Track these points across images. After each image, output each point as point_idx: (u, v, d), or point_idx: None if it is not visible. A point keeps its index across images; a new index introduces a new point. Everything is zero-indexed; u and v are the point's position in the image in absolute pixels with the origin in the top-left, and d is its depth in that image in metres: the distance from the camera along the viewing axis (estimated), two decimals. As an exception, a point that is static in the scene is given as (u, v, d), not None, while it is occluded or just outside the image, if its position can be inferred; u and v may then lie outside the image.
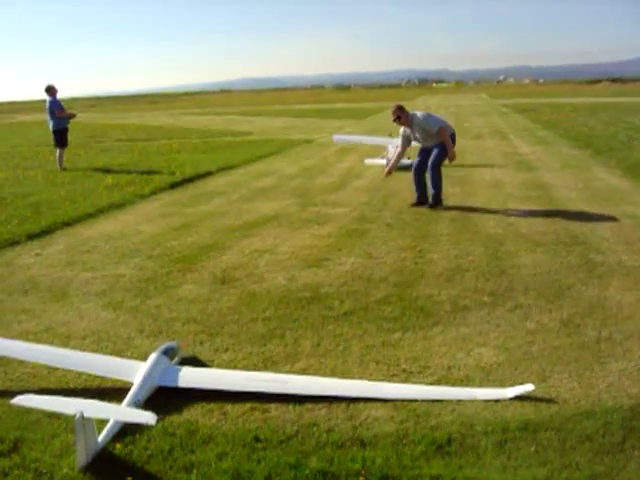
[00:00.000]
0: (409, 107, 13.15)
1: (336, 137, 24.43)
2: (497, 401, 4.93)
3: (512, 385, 5.13)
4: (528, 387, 5.01)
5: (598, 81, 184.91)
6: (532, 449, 4.27)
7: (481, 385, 5.25)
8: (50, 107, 19.54)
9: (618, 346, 5.94)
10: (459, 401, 4.95)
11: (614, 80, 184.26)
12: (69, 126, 20.28)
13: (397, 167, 18.34)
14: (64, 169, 19.58)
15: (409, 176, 12.80)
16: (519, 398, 4.94)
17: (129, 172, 18.79)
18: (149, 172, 18.63)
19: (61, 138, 19.75)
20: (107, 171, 19.18)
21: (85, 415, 3.98)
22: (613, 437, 4.37)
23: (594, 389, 5.12)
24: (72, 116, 20.52)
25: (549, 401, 4.93)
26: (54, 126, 19.67)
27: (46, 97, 19.73)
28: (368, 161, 19.20)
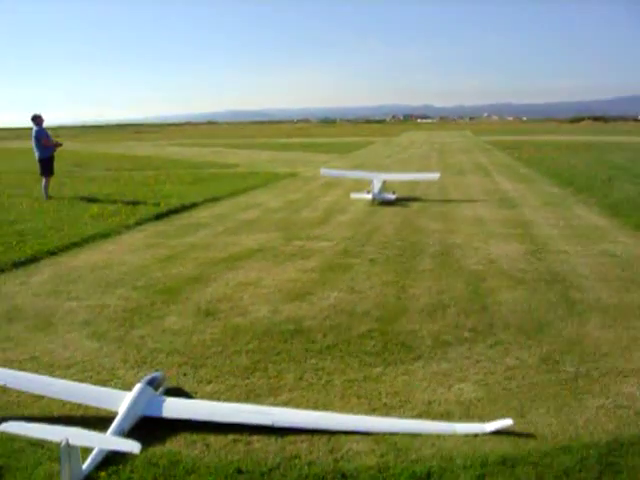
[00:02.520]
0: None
1: (323, 171, 24.66)
2: (476, 436, 5.02)
3: (491, 420, 5.21)
4: (507, 422, 5.10)
5: (580, 119, 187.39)
6: (510, 484, 4.35)
7: (461, 420, 5.34)
8: (36, 136, 19.60)
9: (596, 383, 6.06)
10: (439, 435, 5.03)
11: (596, 119, 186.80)
12: (55, 155, 20.33)
13: (382, 201, 18.59)
14: (50, 197, 19.60)
15: (393, 211, 12.95)
16: (498, 433, 5.03)
17: (114, 202, 18.84)
18: (134, 202, 18.69)
19: (47, 167, 19.79)
20: (93, 200, 19.23)
21: (70, 443, 4.02)
22: (590, 472, 4.47)
23: (572, 425, 5.22)
24: (58, 145, 20.60)
25: (527, 436, 5.02)
26: (40, 155, 19.72)
27: (32, 126, 19.80)
28: (354, 195, 19.37)
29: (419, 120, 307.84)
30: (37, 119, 19.69)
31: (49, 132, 20.39)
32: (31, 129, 20.01)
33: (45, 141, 19.67)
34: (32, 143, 20.02)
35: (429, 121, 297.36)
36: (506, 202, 18.81)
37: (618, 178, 24.45)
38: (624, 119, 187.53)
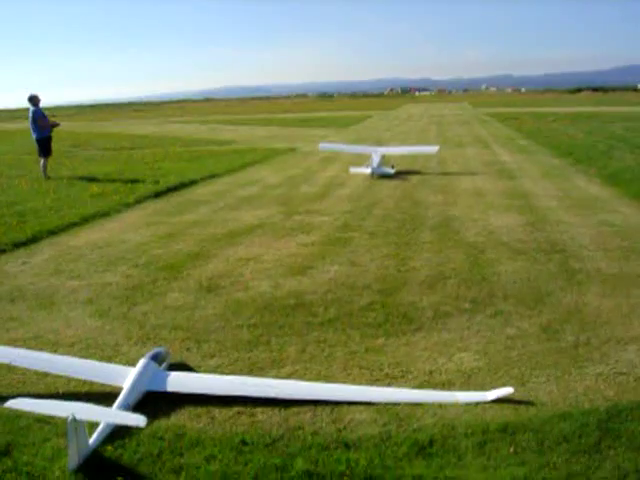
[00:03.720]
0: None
1: (322, 145, 24.60)
2: (477, 404, 5.08)
3: (492, 389, 5.27)
4: (508, 390, 5.16)
5: (579, 90, 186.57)
6: (511, 450, 4.41)
7: (462, 389, 5.40)
8: (33, 116, 19.52)
9: (595, 350, 6.11)
10: (441, 404, 5.09)
11: (595, 89, 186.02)
12: (53, 135, 20.29)
13: (380, 175, 18.59)
14: (48, 178, 19.59)
15: (392, 184, 12.93)
16: (499, 401, 5.10)
17: (114, 181, 18.83)
18: (134, 181, 18.67)
19: (45, 147, 19.75)
20: (92, 180, 19.21)
21: (77, 418, 4.07)
22: (589, 438, 4.53)
23: (571, 392, 5.28)
24: (55, 125, 20.55)
25: (528, 404, 5.09)
26: (37, 135, 19.67)
27: (29, 106, 19.73)
28: (353, 170, 19.35)
29: (417, 93, 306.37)
30: (34, 99, 19.60)
31: (46, 112, 20.33)
32: (28, 110, 19.95)
33: (42, 121, 19.61)
34: (29, 124, 19.97)
35: (427, 94, 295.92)
36: (505, 174, 18.81)
37: (617, 148, 24.42)
38: (623, 89, 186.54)
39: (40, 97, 19.80)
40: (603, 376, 5.56)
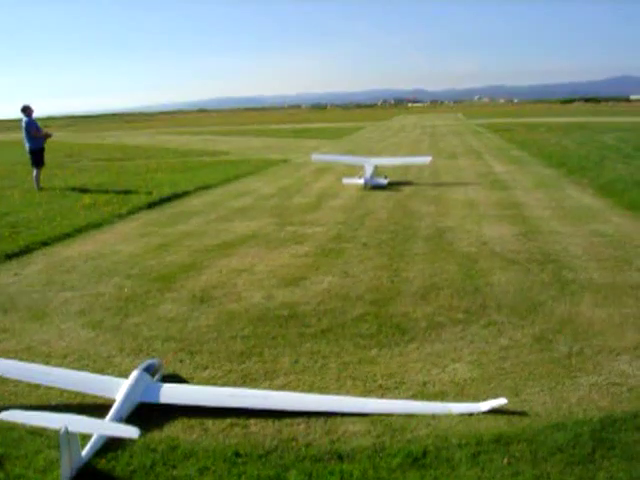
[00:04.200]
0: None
1: (315, 157, 24.63)
2: (471, 415, 5.08)
3: (486, 399, 5.27)
4: (501, 401, 5.16)
5: (572, 101, 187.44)
6: (505, 461, 4.40)
7: (456, 400, 5.39)
8: (26, 127, 19.51)
9: (589, 361, 6.12)
10: (434, 415, 5.09)
11: (587, 100, 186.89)
12: (45, 146, 20.27)
13: (373, 186, 18.63)
14: (41, 189, 19.55)
15: (385, 195, 12.97)
16: (493, 412, 5.09)
17: (106, 192, 18.82)
18: (126, 192, 18.68)
19: (38, 158, 19.73)
20: (84, 191, 19.19)
21: (69, 430, 4.06)
22: (583, 448, 4.53)
23: (565, 402, 5.28)
24: (48, 136, 20.53)
25: (522, 414, 5.09)
26: (30, 146, 19.66)
27: (22, 117, 19.71)
28: (346, 181, 19.37)
29: (410, 104, 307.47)
30: (27, 110, 19.59)
31: (39, 123, 20.31)
32: (20, 120, 19.93)
33: (35, 132, 19.59)
34: (22, 134, 19.95)
35: (420, 105, 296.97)
36: (498, 184, 18.85)
37: (610, 158, 24.51)
38: (616, 100, 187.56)
39: (33, 108, 19.80)
40: (597, 386, 5.56)
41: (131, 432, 4.27)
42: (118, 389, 5.32)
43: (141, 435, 4.45)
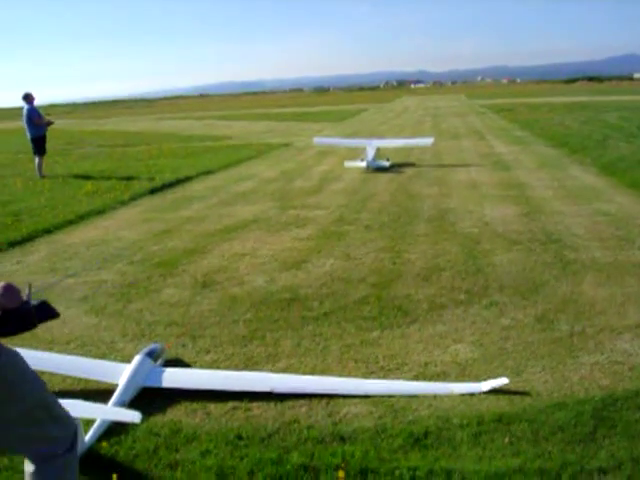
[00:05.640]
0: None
1: (317, 140, 24.57)
2: (472, 395, 5.09)
3: (487, 379, 5.28)
4: (503, 381, 5.17)
5: (574, 80, 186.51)
6: (506, 440, 4.41)
7: (457, 380, 5.40)
8: (28, 115, 19.48)
9: (590, 340, 6.11)
10: (436, 396, 5.10)
11: (590, 79, 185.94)
12: (47, 133, 20.24)
13: (376, 168, 18.60)
14: (43, 176, 19.55)
15: (387, 177, 12.95)
16: (494, 392, 5.10)
17: (108, 178, 18.81)
18: (129, 178, 18.68)
19: (39, 146, 19.71)
20: (86, 178, 19.18)
21: (71, 414, 4.07)
22: (584, 427, 4.54)
23: (567, 382, 5.28)
24: (50, 123, 20.48)
25: (523, 394, 5.09)
26: (32, 134, 19.62)
27: (23, 105, 19.68)
28: (348, 163, 19.33)
29: (413, 85, 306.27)
30: (28, 98, 19.55)
31: (40, 111, 20.28)
32: (22, 108, 19.90)
33: (37, 120, 19.57)
34: (23, 122, 19.92)
35: (423, 86, 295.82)
36: (500, 165, 18.80)
37: (613, 137, 24.42)
38: (619, 79, 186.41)
39: (34, 95, 19.77)
40: (598, 365, 5.56)
41: (133, 417, 4.29)
42: (121, 374, 5.34)
43: (144, 420, 4.48)
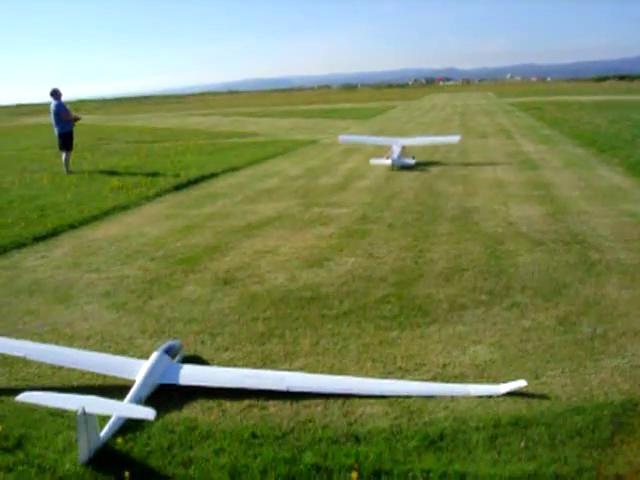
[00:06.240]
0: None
1: (342, 138, 24.52)
2: (490, 397, 5.04)
3: (505, 382, 5.22)
4: (521, 383, 5.11)
5: (605, 79, 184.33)
6: (522, 444, 4.37)
7: (475, 382, 5.36)
8: (56, 110, 19.64)
9: (612, 343, 6.03)
10: (453, 397, 5.06)
11: (621, 77, 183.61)
12: (74, 129, 20.39)
13: (401, 166, 18.51)
14: (70, 172, 19.71)
15: (412, 176, 12.86)
16: (512, 394, 5.05)
17: (134, 174, 18.94)
18: (154, 174, 18.79)
19: (66, 141, 19.86)
20: (113, 173, 19.35)
21: (87, 411, 4.10)
22: (602, 432, 4.48)
23: (586, 385, 5.22)
24: (77, 119, 20.64)
25: (541, 397, 5.04)
26: (59, 129, 19.78)
27: (51, 100, 19.84)
28: (373, 161, 19.27)
29: (442, 83, 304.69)
30: (56, 93, 19.72)
31: (69, 107, 20.44)
32: (50, 104, 20.07)
33: (65, 115, 19.73)
34: (51, 118, 20.09)
35: (452, 83, 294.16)
36: (527, 164, 18.64)
37: (642, 137, 24.11)
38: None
39: (61, 91, 19.91)
40: (619, 369, 5.49)
41: (147, 414, 4.30)
42: (138, 370, 5.37)
43: (160, 416, 4.50)
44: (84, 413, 4.09)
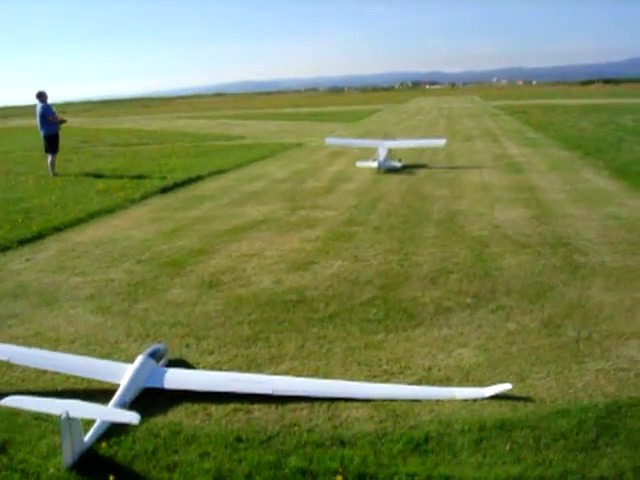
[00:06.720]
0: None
1: (328, 140, 24.53)
2: (475, 400, 5.05)
3: (490, 385, 5.23)
4: (506, 386, 5.12)
5: (591, 82, 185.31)
6: (507, 447, 4.37)
7: (461, 385, 5.36)
8: (42, 112, 19.55)
9: (597, 346, 6.06)
10: (438, 400, 5.06)
11: (607, 81, 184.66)
12: (60, 132, 20.29)
13: (387, 169, 18.56)
14: (56, 174, 19.62)
15: (399, 178, 12.87)
16: (497, 397, 5.05)
17: (120, 177, 18.85)
18: (140, 177, 18.74)
19: (52, 144, 19.77)
20: (98, 176, 19.27)
21: (70, 415, 4.08)
22: (587, 435, 4.49)
23: (571, 388, 5.23)
24: (63, 122, 20.55)
25: (526, 400, 5.05)
26: (45, 132, 19.70)
27: (37, 102, 19.74)
28: (360, 164, 19.30)
29: (428, 86, 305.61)
30: (42, 96, 19.62)
31: (55, 109, 20.35)
32: (35, 106, 19.97)
33: (52, 117, 19.64)
34: (37, 120, 19.99)
35: (438, 87, 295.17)
36: (513, 167, 18.72)
37: (627, 140, 24.26)
38: (637, 81, 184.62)
39: (47, 93, 19.82)
40: (604, 372, 5.51)
41: (131, 418, 4.27)
42: (123, 374, 5.34)
43: (144, 420, 4.47)
44: (68, 417, 4.07)
